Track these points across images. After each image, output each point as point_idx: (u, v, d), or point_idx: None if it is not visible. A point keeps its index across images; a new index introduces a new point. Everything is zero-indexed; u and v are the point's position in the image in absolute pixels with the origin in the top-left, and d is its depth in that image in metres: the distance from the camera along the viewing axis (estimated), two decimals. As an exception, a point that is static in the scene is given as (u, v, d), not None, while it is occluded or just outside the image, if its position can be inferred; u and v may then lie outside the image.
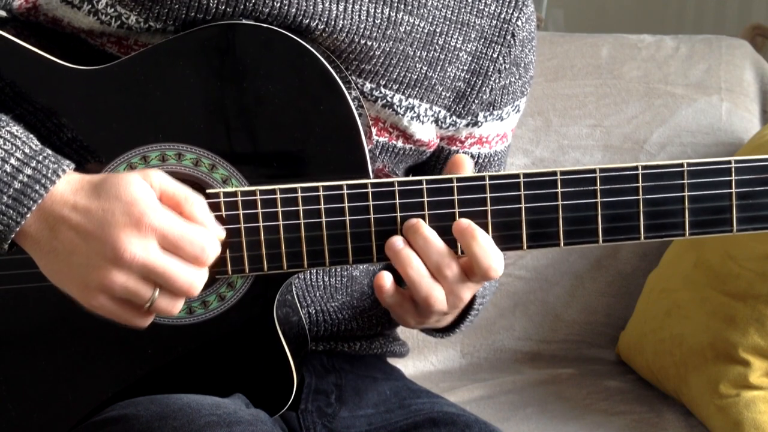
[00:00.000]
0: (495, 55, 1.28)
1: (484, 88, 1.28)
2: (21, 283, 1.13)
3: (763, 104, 2.04)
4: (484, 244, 1.09)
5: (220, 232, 1.06)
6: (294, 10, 1.14)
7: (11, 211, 1.01)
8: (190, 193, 1.04)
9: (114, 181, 1.02)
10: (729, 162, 1.12)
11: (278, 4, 1.13)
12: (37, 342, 1.16)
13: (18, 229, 1.02)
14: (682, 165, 1.11)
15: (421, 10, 1.22)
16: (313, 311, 1.30)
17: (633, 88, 2.02)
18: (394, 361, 1.46)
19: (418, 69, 1.24)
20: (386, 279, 1.11)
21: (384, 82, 1.22)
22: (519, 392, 1.84)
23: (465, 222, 1.10)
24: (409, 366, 1.90)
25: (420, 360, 1.95)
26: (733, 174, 1.12)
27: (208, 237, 1.03)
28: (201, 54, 1.11)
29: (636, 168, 1.11)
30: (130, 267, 1.00)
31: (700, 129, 1.99)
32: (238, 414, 1.07)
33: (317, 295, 1.30)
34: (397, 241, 1.10)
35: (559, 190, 1.11)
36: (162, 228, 1.01)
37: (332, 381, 1.32)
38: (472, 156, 1.34)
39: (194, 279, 1.03)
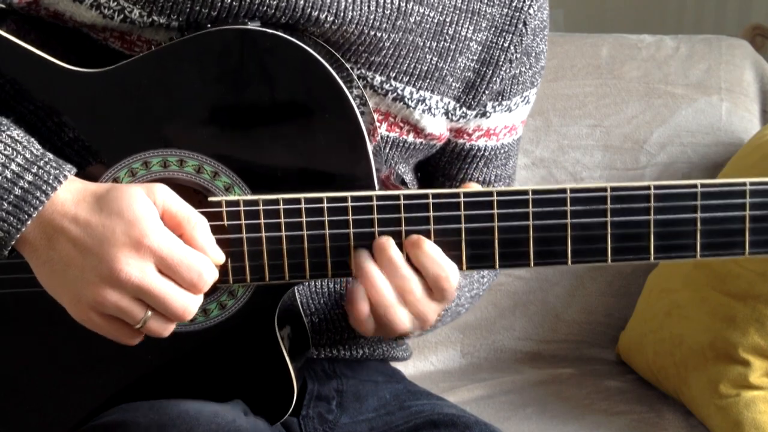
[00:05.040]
0: (506, 45, 1.26)
1: (494, 78, 1.27)
2: (22, 287, 1.12)
3: (763, 104, 2.03)
4: (431, 253, 1.09)
5: (219, 258, 1.06)
6: (303, 2, 1.12)
7: (11, 218, 1.01)
8: (192, 214, 1.04)
9: (117, 196, 1.01)
10: (744, 184, 1.09)
11: None
12: (38, 345, 1.16)
13: (18, 235, 1.02)
14: (695, 186, 1.09)
15: (431, 0, 1.20)
16: (317, 320, 1.29)
17: (633, 88, 2.01)
18: (394, 363, 1.46)
19: (429, 60, 1.22)
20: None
21: (394, 75, 1.21)
22: (519, 392, 1.83)
23: (414, 236, 1.09)
24: (409, 366, 1.90)
25: (420, 360, 1.95)
26: (748, 196, 1.10)
27: (206, 263, 1.03)
28: (205, 59, 1.10)
29: (648, 187, 1.09)
30: (124, 287, 1.00)
31: (700, 129, 1.98)
32: (236, 423, 1.06)
33: (321, 302, 1.29)
34: (365, 259, 1.09)
35: (569, 208, 1.09)
36: (161, 251, 1.00)
37: (334, 387, 1.32)
38: (479, 149, 1.33)
39: (188, 304, 1.03)
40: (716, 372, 1.66)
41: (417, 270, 1.10)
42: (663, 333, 1.79)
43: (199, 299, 1.04)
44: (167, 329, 1.05)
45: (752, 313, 1.64)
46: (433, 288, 1.10)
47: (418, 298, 1.10)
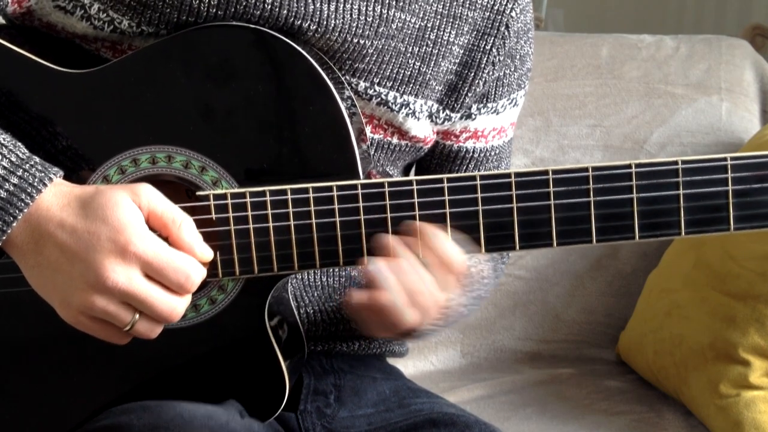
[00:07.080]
0: (488, 47, 1.27)
1: (476, 81, 1.28)
2: (14, 287, 1.12)
3: (763, 104, 2.03)
4: (441, 238, 1.09)
5: (207, 256, 1.06)
6: (285, 11, 1.14)
7: None
8: (178, 214, 1.04)
9: (102, 202, 1.02)
10: (725, 159, 1.09)
11: (269, 6, 1.13)
12: (31, 346, 1.16)
13: (5, 237, 1.02)
14: (676, 162, 1.09)
15: (413, 6, 1.21)
16: (311, 311, 1.30)
17: (633, 88, 2.01)
18: (393, 361, 1.46)
19: (411, 65, 1.23)
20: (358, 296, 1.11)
21: (378, 80, 1.22)
22: (519, 392, 1.83)
23: (411, 221, 1.10)
24: (409, 366, 1.90)
25: (420, 360, 1.95)
26: (729, 171, 1.09)
27: (192, 265, 1.03)
28: (191, 56, 1.11)
29: (629, 166, 1.09)
30: (111, 293, 1.01)
31: (700, 129, 1.98)
32: (230, 425, 1.07)
33: (315, 295, 1.29)
34: (377, 263, 1.09)
35: (552, 189, 1.09)
36: (146, 256, 1.01)
37: (331, 381, 1.32)
38: (468, 150, 1.34)
39: (175, 306, 1.03)
40: (716, 372, 1.65)
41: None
42: (663, 333, 1.79)
43: (186, 300, 1.04)
44: (155, 331, 1.05)
45: (752, 313, 1.63)
46: (437, 274, 1.10)
47: (427, 299, 1.10)
